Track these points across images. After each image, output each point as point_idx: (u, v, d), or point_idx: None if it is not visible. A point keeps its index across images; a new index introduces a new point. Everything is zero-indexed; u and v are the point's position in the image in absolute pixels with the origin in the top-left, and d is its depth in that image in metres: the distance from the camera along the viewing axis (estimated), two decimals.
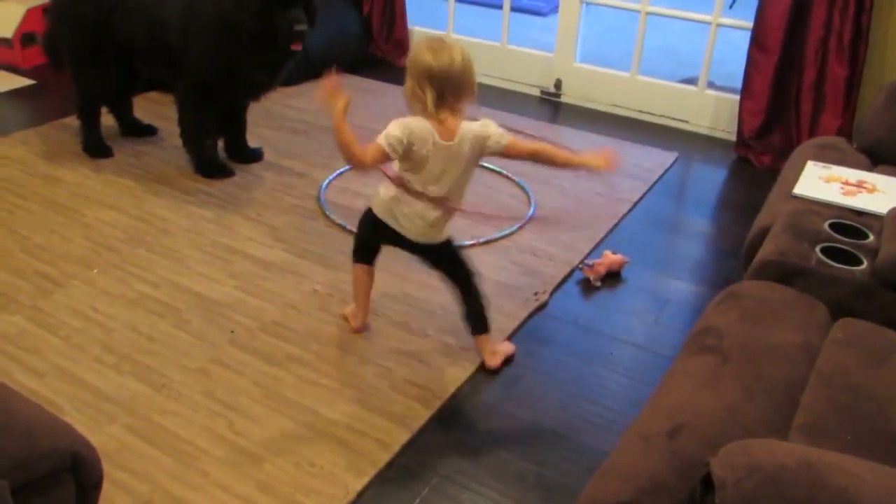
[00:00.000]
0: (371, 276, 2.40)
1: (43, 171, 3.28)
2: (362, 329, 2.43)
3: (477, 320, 2.31)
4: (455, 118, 2.07)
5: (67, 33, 3.24)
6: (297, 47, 2.93)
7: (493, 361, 2.32)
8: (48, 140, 3.56)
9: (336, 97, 2.03)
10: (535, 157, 2.15)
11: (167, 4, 3.05)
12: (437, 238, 2.23)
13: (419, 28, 4.72)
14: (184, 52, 3.04)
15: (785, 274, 1.92)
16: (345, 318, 2.48)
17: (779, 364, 1.59)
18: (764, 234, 2.14)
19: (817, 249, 1.97)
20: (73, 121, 3.50)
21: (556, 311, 2.62)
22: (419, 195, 2.12)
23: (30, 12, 4.28)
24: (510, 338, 2.45)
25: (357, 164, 2.10)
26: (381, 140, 2.04)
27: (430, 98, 2.03)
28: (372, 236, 2.33)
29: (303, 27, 2.87)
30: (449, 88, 2.03)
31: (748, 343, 1.64)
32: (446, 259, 2.29)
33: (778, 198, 2.34)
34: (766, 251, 1.99)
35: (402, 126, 2.05)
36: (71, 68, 3.30)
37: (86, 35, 3.18)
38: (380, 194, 2.24)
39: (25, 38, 4.32)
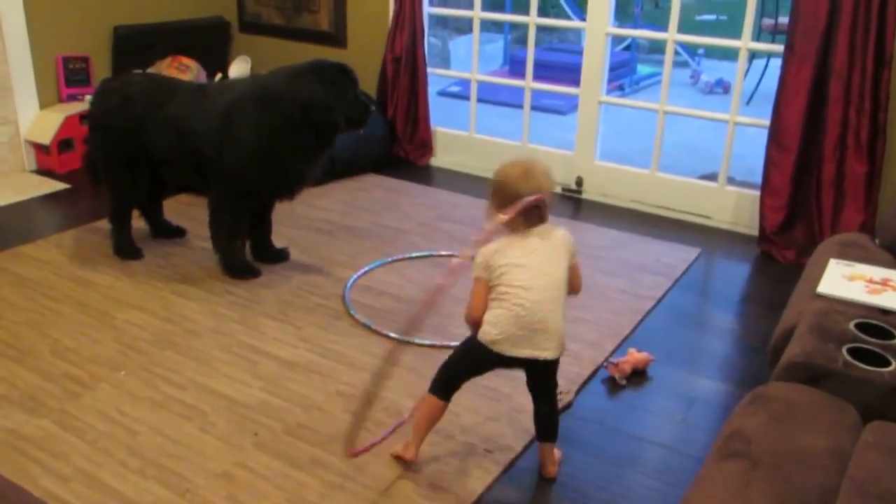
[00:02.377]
0: (443, 412, 2.26)
1: (75, 274, 3.35)
2: (416, 460, 2.29)
3: (548, 428, 2.27)
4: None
5: (101, 142, 3.37)
6: (362, 129, 3.30)
7: (553, 471, 2.28)
8: (81, 243, 3.65)
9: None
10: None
11: (200, 116, 3.17)
12: None
13: (442, 129, 4.85)
14: (218, 163, 3.16)
15: (812, 376, 1.90)
16: (398, 458, 2.29)
17: (809, 470, 1.57)
18: (789, 333, 2.13)
19: (844, 350, 1.95)
20: (105, 224, 3.60)
21: (582, 411, 2.59)
22: None
23: (67, 120, 4.45)
24: (534, 441, 2.42)
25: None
26: None
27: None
28: (477, 368, 2.23)
29: (374, 107, 3.28)
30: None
31: (777, 448, 1.61)
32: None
33: (802, 296, 2.34)
34: (792, 352, 1.98)
35: None
36: (104, 175, 3.42)
37: (119, 144, 3.31)
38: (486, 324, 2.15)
39: (62, 144, 4.49)
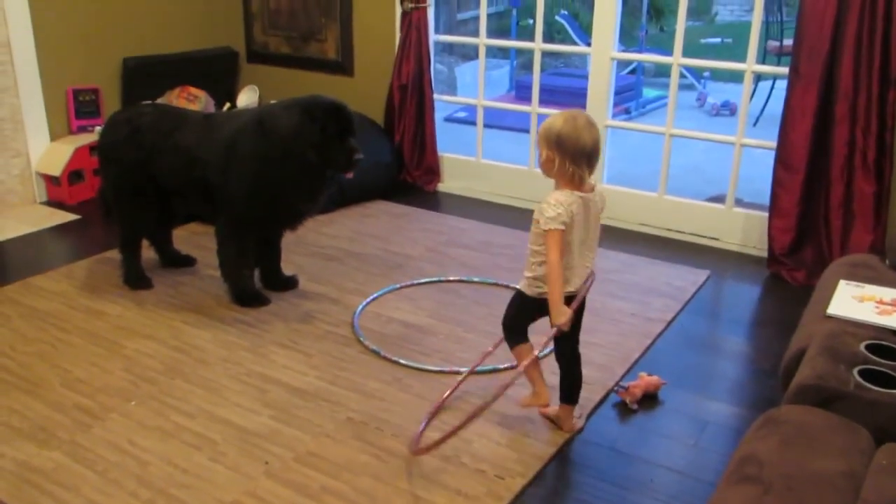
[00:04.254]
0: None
1: (85, 305, 3.37)
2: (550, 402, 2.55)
3: (571, 390, 2.53)
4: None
5: (111, 173, 3.40)
6: (350, 175, 3.15)
7: (575, 424, 2.55)
8: (91, 273, 3.67)
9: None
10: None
11: (206, 145, 3.20)
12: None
13: (449, 155, 4.87)
14: (224, 190, 3.17)
15: (824, 398, 1.89)
16: (545, 416, 2.59)
17: (822, 493, 1.55)
18: (800, 356, 2.12)
19: (855, 372, 1.94)
20: (115, 254, 3.61)
21: (593, 435, 2.58)
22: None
23: (77, 151, 4.49)
24: (546, 465, 2.41)
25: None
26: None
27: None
28: (531, 315, 2.46)
29: (360, 156, 3.09)
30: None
31: (790, 472, 1.60)
32: (579, 315, 2.45)
33: (812, 318, 2.33)
34: (804, 375, 1.97)
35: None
36: (114, 206, 3.45)
37: (129, 175, 3.34)
38: (542, 282, 2.36)
39: (73, 175, 4.53)
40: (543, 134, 2.28)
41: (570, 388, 2.53)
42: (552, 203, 2.26)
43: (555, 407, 2.58)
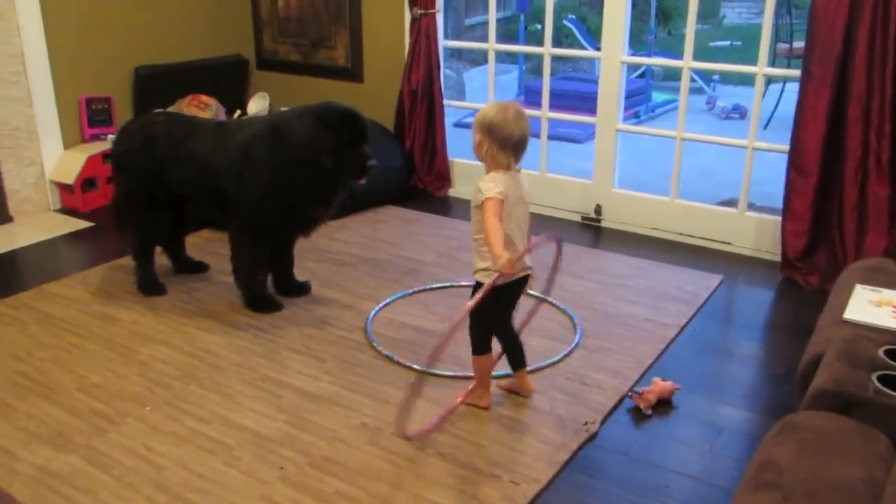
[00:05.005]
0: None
1: (100, 311, 3.38)
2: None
3: (517, 355, 2.70)
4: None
5: (125, 182, 3.42)
6: (363, 181, 3.16)
7: (532, 386, 2.76)
8: (105, 280, 3.69)
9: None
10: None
11: (219, 152, 3.22)
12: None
13: (459, 160, 4.87)
14: (237, 197, 3.19)
15: (842, 404, 1.88)
16: (476, 405, 2.69)
17: (843, 500, 1.54)
18: (817, 361, 2.11)
19: (874, 377, 1.93)
20: (128, 261, 3.63)
21: (607, 441, 2.57)
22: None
23: (90, 159, 4.52)
24: (561, 471, 2.41)
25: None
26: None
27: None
28: (495, 311, 2.55)
29: (374, 163, 3.10)
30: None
31: (809, 479, 1.59)
32: (513, 300, 2.62)
33: (829, 323, 2.32)
34: (821, 380, 1.96)
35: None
36: (128, 213, 3.47)
37: (142, 183, 3.36)
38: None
39: (86, 183, 4.55)
40: (477, 121, 2.46)
41: (515, 354, 2.71)
42: (486, 180, 2.42)
43: (507, 381, 2.79)
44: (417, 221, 4.46)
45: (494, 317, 2.59)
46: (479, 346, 2.63)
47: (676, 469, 2.43)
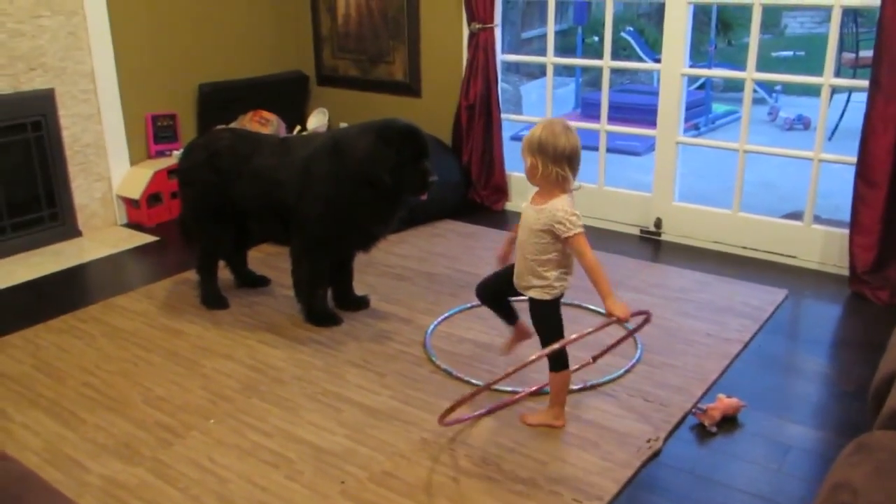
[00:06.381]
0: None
1: (165, 324, 3.46)
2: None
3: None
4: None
5: (190, 197, 3.50)
6: (424, 196, 3.16)
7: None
8: (170, 294, 3.77)
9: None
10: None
11: (281, 168, 3.26)
12: None
13: (517, 174, 4.87)
14: (299, 212, 3.23)
15: None
16: (550, 424, 2.66)
17: None
18: (891, 379, 2.04)
19: None
20: (192, 275, 3.71)
21: (671, 459, 2.52)
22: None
23: (156, 175, 4.63)
24: (623, 489, 2.37)
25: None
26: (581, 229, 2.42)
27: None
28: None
29: (435, 178, 3.11)
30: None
31: (885, 501, 1.54)
32: None
33: None
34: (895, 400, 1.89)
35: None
36: (193, 227, 3.55)
37: (207, 198, 3.43)
38: (554, 283, 2.51)
39: (151, 198, 4.66)
40: (526, 143, 2.45)
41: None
42: (568, 212, 2.42)
43: (508, 339, 2.87)
44: (475, 235, 4.46)
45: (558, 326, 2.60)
46: (563, 362, 2.58)
47: (744, 488, 2.37)
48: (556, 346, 2.40)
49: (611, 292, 2.37)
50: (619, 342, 2.89)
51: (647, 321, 2.69)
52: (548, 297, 2.52)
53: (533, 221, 2.47)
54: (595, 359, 2.91)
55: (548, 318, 2.54)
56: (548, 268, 2.48)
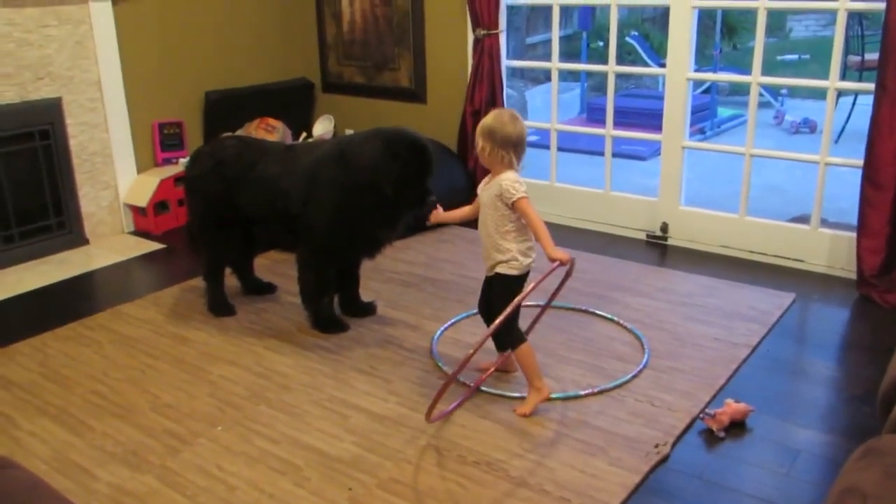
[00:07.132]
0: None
1: (172, 331, 3.46)
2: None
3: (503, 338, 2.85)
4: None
5: (197, 205, 3.51)
6: (424, 215, 3.16)
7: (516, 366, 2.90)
8: (177, 301, 3.78)
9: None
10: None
11: (287, 175, 3.27)
12: None
13: (522, 179, 4.85)
14: (304, 219, 3.23)
15: None
16: (539, 402, 2.76)
17: None
18: None
19: None
20: (199, 282, 3.72)
21: (679, 464, 2.52)
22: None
23: (162, 183, 4.65)
24: (632, 494, 2.36)
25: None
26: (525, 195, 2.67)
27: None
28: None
29: (434, 199, 3.11)
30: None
31: None
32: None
33: None
34: None
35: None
36: (199, 235, 3.56)
37: (213, 206, 3.44)
38: (518, 255, 2.74)
39: (158, 206, 4.68)
40: (479, 128, 2.73)
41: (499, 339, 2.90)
42: (511, 180, 2.68)
43: (492, 361, 3.01)
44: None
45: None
46: (520, 337, 2.77)
47: (753, 493, 2.37)
48: (497, 322, 2.47)
49: (552, 244, 2.62)
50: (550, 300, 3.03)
51: (571, 268, 2.77)
52: (514, 273, 2.73)
53: (486, 197, 2.75)
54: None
55: (509, 297, 2.59)
56: (508, 239, 2.73)
